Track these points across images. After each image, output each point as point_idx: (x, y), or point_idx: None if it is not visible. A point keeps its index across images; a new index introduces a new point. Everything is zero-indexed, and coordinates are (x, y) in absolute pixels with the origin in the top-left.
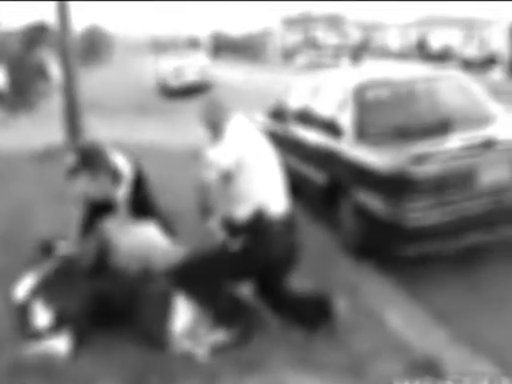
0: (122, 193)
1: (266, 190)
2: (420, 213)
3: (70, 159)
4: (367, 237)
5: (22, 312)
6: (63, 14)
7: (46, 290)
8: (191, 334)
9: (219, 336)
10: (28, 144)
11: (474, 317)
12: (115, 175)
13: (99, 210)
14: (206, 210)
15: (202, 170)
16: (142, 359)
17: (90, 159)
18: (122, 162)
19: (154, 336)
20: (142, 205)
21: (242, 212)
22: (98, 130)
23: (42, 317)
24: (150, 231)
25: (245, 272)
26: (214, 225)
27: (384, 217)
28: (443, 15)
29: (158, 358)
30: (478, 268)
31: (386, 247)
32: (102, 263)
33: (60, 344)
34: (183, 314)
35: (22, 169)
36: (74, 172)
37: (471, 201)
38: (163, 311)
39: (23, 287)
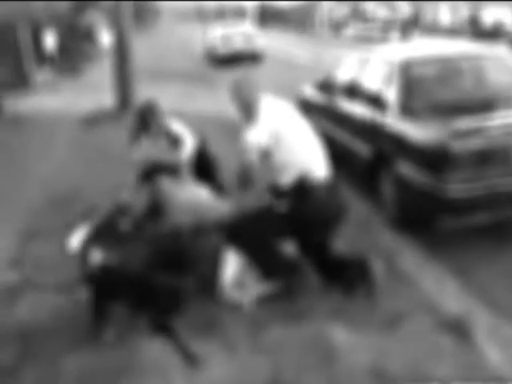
0: (183, 157)
1: (305, 157)
2: (459, 185)
3: (130, 122)
4: (407, 208)
5: (79, 259)
6: None
7: (98, 237)
8: (239, 285)
9: (265, 287)
10: (77, 108)
11: (504, 285)
12: (175, 140)
13: (160, 171)
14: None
15: (242, 154)
16: (193, 308)
17: (148, 120)
18: (180, 128)
19: (207, 286)
20: (205, 170)
21: (286, 179)
22: (147, 96)
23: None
24: (203, 191)
25: (290, 231)
26: (259, 191)
27: (424, 188)
28: None
29: (209, 306)
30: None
31: (425, 218)
32: (154, 213)
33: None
34: (233, 267)
35: (72, 132)
36: (136, 134)
37: (509, 177)
38: (215, 263)
39: (77, 237)
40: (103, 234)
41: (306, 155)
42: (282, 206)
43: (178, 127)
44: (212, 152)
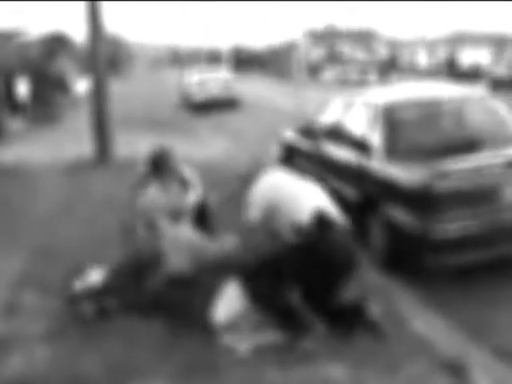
0: (190, 201)
1: (316, 199)
2: (445, 226)
3: (141, 167)
4: (395, 249)
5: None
6: (95, 24)
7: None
8: (235, 328)
9: (265, 336)
10: (55, 158)
11: (497, 324)
12: (184, 183)
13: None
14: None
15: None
16: (186, 346)
17: (163, 166)
18: (187, 171)
19: (200, 324)
20: (204, 212)
21: (303, 215)
22: (123, 145)
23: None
24: (197, 234)
25: (307, 269)
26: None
27: (411, 230)
28: (472, 31)
29: (201, 346)
30: (504, 280)
31: (413, 259)
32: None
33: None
34: (228, 307)
35: (56, 182)
36: (145, 180)
37: (495, 215)
38: (209, 299)
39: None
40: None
41: (316, 199)
42: (300, 238)
43: (188, 173)
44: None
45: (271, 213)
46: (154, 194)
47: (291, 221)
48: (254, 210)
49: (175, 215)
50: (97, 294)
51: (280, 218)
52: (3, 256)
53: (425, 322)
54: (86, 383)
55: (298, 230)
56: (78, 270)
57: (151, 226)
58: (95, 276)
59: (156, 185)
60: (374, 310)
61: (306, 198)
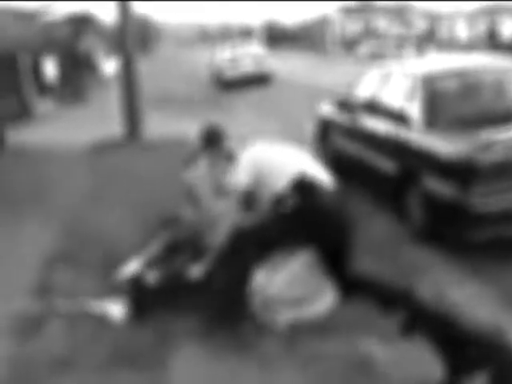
0: (239, 183)
1: (298, 163)
2: (486, 198)
3: (193, 144)
4: (436, 223)
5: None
6: (124, 3)
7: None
8: (272, 306)
9: (302, 312)
10: (84, 138)
11: None
12: (232, 161)
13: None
14: None
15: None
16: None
17: (213, 142)
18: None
19: (232, 304)
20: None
21: (282, 183)
22: (153, 124)
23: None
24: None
25: (298, 232)
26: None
27: (451, 202)
28: None
29: (240, 326)
30: None
31: (453, 232)
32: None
33: (116, 310)
34: (264, 286)
35: (85, 162)
36: (195, 155)
37: None
38: (243, 279)
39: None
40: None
41: (298, 163)
42: (286, 207)
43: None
44: None
45: (257, 180)
46: (202, 170)
47: (272, 188)
48: (241, 175)
49: (220, 192)
50: (136, 287)
51: (264, 185)
52: (36, 242)
53: (464, 293)
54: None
55: (277, 197)
56: (118, 258)
57: (196, 201)
58: (134, 265)
59: (205, 160)
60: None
61: (287, 165)
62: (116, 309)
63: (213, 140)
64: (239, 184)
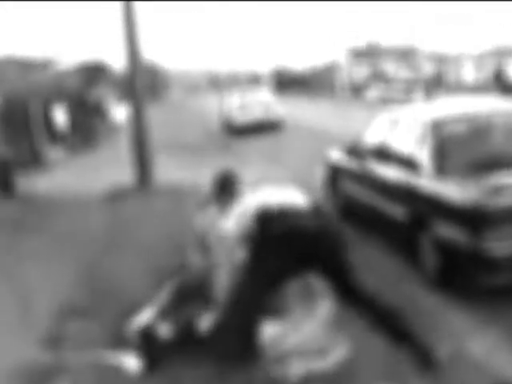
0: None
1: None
2: (499, 243)
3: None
4: (448, 269)
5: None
6: (133, 52)
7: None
8: (282, 357)
9: (316, 363)
10: (95, 186)
11: None
12: None
13: None
14: None
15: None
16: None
17: (226, 188)
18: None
19: (238, 354)
20: None
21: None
22: (164, 171)
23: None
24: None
25: (284, 260)
26: None
27: (464, 248)
28: None
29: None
30: None
31: (467, 278)
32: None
33: (130, 362)
34: (273, 335)
35: (97, 210)
36: (207, 201)
37: None
38: (250, 330)
39: (142, 317)
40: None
41: (263, 197)
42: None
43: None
44: None
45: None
46: (211, 216)
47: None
48: (230, 223)
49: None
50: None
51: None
52: (49, 288)
53: (483, 343)
54: None
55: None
56: (130, 308)
57: (205, 248)
58: (146, 316)
59: (215, 207)
60: (444, 350)
61: (250, 204)
62: (128, 360)
63: (225, 186)
64: (227, 232)
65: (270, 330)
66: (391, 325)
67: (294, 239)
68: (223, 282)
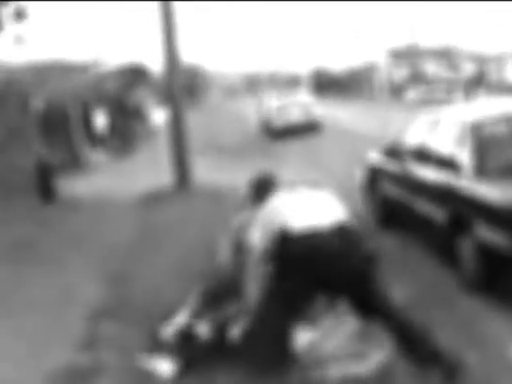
0: None
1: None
2: None
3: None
4: (489, 272)
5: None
6: (172, 55)
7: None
8: (318, 360)
9: (355, 367)
10: (135, 188)
11: None
12: None
13: None
14: None
15: None
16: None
17: (263, 190)
18: None
19: (271, 361)
20: None
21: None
22: (203, 174)
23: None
24: None
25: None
26: None
27: (505, 251)
28: None
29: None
30: None
31: (508, 283)
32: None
33: (165, 365)
34: (309, 338)
35: (136, 212)
36: (245, 203)
37: None
38: (282, 338)
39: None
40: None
41: (286, 215)
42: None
43: None
44: None
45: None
46: (248, 218)
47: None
48: (256, 234)
49: None
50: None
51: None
52: (82, 293)
53: None
54: None
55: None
56: (164, 311)
57: (238, 250)
58: (181, 319)
59: (253, 209)
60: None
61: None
62: (164, 364)
63: (262, 189)
64: (254, 242)
65: (305, 336)
66: (415, 347)
67: (314, 261)
68: (252, 291)
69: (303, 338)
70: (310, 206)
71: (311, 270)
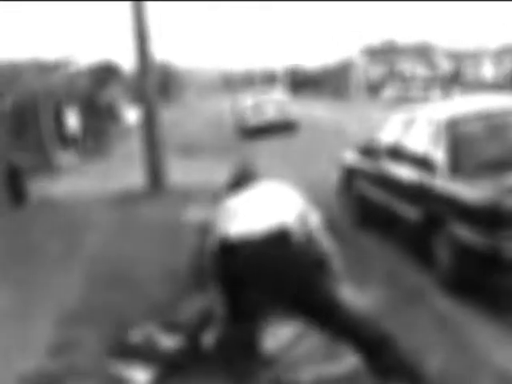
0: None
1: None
2: None
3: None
4: (464, 270)
5: None
6: (144, 54)
7: None
8: (293, 362)
9: (330, 367)
10: (108, 190)
11: None
12: None
13: None
14: None
15: None
16: None
17: (241, 182)
18: None
19: (243, 365)
20: None
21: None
22: (176, 174)
23: None
24: None
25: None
26: None
27: (481, 249)
28: None
29: None
30: None
31: (483, 280)
32: None
33: (140, 375)
34: (282, 341)
35: (108, 213)
36: (223, 193)
37: None
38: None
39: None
40: None
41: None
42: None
43: None
44: None
45: None
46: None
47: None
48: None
49: None
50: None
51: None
52: (54, 296)
53: (498, 347)
54: None
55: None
56: (136, 317)
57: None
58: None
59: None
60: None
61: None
62: (135, 370)
63: (239, 180)
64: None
65: (278, 338)
66: (376, 358)
67: (249, 269)
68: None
69: (278, 338)
70: (261, 207)
71: (249, 279)
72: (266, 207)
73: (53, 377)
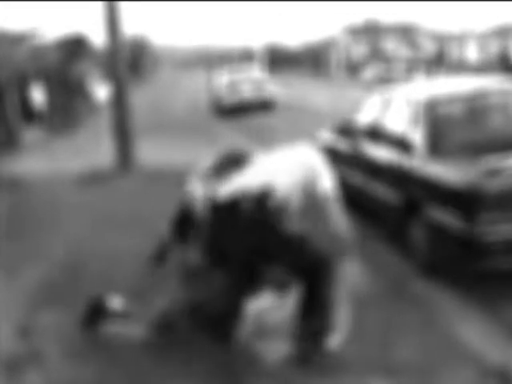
0: None
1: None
2: (494, 227)
3: (206, 163)
4: (440, 254)
5: None
6: (113, 26)
7: None
8: (261, 333)
9: (299, 345)
10: (74, 168)
11: None
12: None
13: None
14: None
15: None
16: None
17: (224, 167)
18: None
19: (220, 332)
20: None
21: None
22: (146, 153)
23: None
24: None
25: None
26: None
27: (458, 233)
28: None
29: (224, 356)
30: None
31: (459, 264)
32: None
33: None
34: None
35: (75, 193)
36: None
37: None
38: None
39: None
40: None
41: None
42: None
43: None
44: None
45: None
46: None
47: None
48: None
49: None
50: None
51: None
52: (21, 278)
53: (470, 328)
54: None
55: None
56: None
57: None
58: (115, 303)
59: (214, 181)
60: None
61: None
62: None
63: (230, 163)
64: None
65: (251, 308)
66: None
67: (236, 227)
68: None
69: (251, 308)
70: (265, 167)
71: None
72: (270, 167)
73: None
